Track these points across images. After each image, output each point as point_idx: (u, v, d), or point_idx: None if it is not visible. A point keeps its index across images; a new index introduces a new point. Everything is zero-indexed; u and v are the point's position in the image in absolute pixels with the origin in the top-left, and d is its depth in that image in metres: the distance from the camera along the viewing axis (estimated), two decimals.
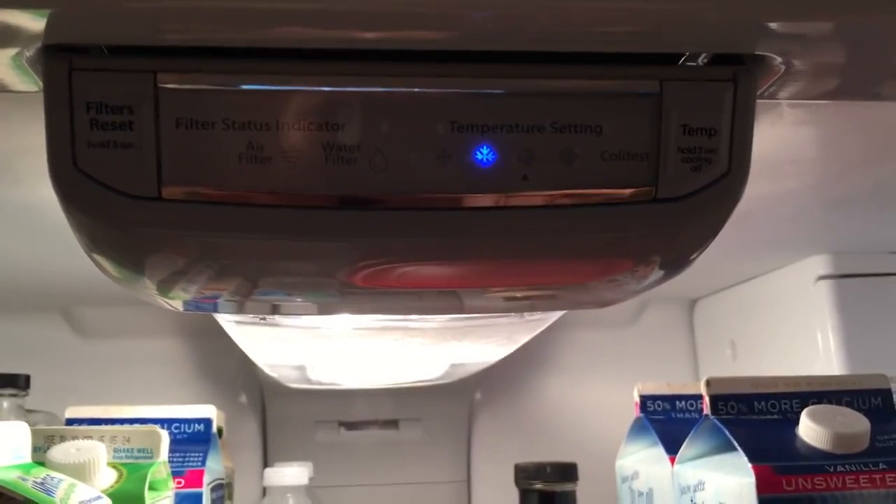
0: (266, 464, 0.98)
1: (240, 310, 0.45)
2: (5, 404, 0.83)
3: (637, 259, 0.34)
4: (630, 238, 0.33)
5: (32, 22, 0.27)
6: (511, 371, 0.99)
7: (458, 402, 1.01)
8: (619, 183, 0.32)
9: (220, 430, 0.76)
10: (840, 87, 0.37)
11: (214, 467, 0.73)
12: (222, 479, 0.76)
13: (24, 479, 0.48)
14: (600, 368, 1.04)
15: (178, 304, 0.42)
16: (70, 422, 0.76)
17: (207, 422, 0.74)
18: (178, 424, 0.72)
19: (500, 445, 1.00)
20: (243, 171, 0.30)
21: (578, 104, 0.31)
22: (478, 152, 0.31)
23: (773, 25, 0.29)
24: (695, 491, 0.60)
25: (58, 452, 0.56)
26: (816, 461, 0.53)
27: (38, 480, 0.49)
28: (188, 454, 0.72)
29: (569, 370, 1.05)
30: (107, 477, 0.56)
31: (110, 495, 0.53)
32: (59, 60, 0.29)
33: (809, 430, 0.55)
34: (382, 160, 0.30)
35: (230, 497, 0.82)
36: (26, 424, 0.53)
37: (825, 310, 0.83)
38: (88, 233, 0.31)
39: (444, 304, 0.40)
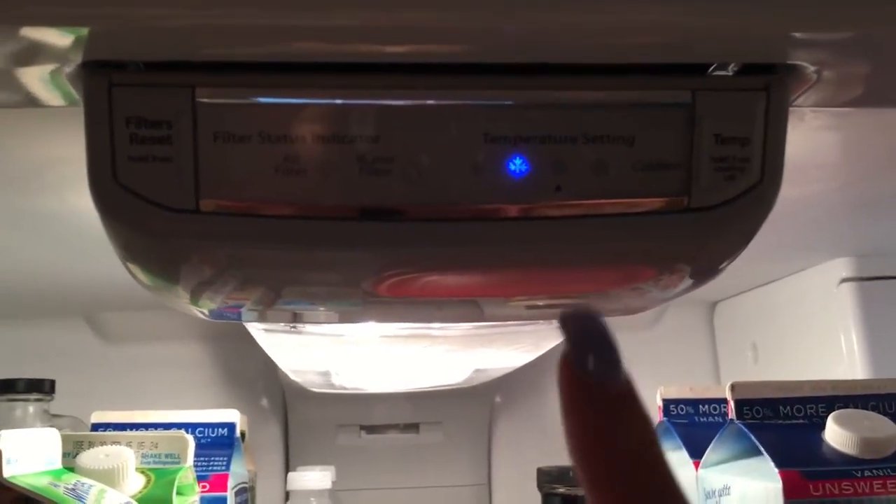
0: (288, 467, 0.98)
1: (263, 318, 0.46)
2: (31, 409, 0.84)
3: (668, 268, 0.34)
4: (663, 247, 0.33)
5: (71, 39, 0.28)
6: (531, 374, 0.99)
7: (478, 406, 1.01)
8: (652, 192, 0.32)
9: (242, 434, 0.76)
10: (864, 95, 0.37)
11: (238, 471, 0.73)
12: (246, 482, 0.76)
13: (55, 486, 0.48)
14: None
15: (205, 311, 0.42)
16: (96, 427, 0.77)
17: (231, 426, 0.74)
18: (202, 429, 0.73)
19: (520, 449, 1.00)
20: (279, 183, 0.30)
21: (610, 115, 0.32)
22: (511, 163, 0.31)
23: (805, 35, 0.29)
24: (720, 496, 0.60)
25: (87, 458, 0.57)
26: (844, 466, 0.53)
27: (70, 486, 0.49)
28: (212, 458, 0.73)
29: None
30: (135, 482, 0.57)
31: (139, 500, 0.53)
32: (98, 76, 0.30)
33: (836, 434, 0.55)
34: (416, 172, 0.31)
35: (253, 501, 0.82)
36: (57, 431, 0.54)
37: (848, 312, 0.83)
38: (126, 244, 0.32)
39: (478, 313, 0.40)
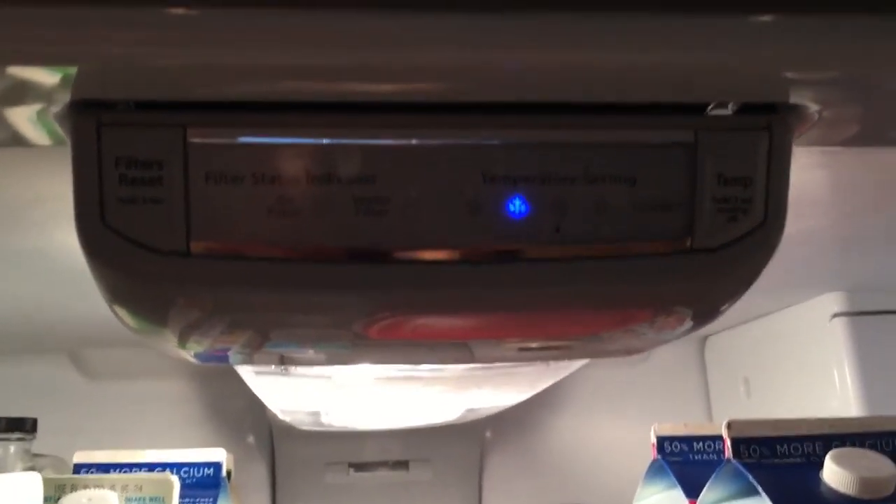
0: None
1: (251, 361, 0.45)
2: (12, 448, 0.82)
3: (669, 311, 0.33)
4: (664, 290, 0.32)
5: (59, 78, 0.27)
6: (522, 410, 0.98)
7: (468, 442, 1.00)
8: (654, 234, 0.31)
9: (229, 473, 0.75)
10: (860, 134, 0.36)
11: None
12: None
13: None
14: (612, 407, 1.03)
15: (192, 355, 0.41)
16: (78, 467, 0.75)
17: (217, 466, 0.73)
18: (187, 469, 0.71)
19: (511, 486, 0.99)
20: (273, 225, 0.29)
21: (612, 154, 0.31)
22: (510, 204, 0.30)
23: (807, 76, 0.29)
24: None
25: (69, 502, 0.55)
26: None
27: None
28: (198, 499, 0.71)
29: (580, 408, 1.04)
30: None
31: None
32: (87, 116, 0.29)
33: (834, 474, 0.54)
34: (413, 212, 0.30)
35: None
36: (38, 475, 0.52)
37: (841, 347, 0.82)
38: (114, 287, 0.31)
39: (472, 355, 0.40)
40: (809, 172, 0.46)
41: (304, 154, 0.30)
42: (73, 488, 0.58)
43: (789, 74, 0.29)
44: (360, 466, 0.99)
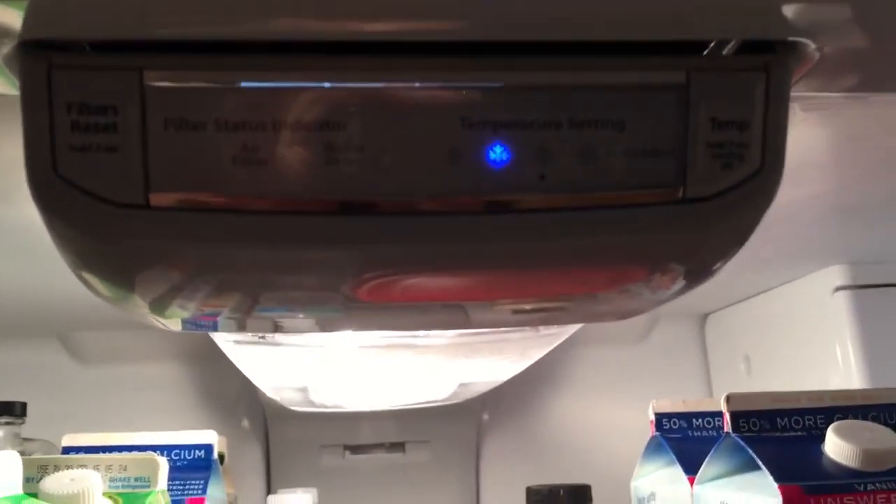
0: (269, 490, 0.95)
1: (240, 328, 0.43)
2: (1, 433, 0.81)
3: (662, 264, 0.32)
4: (657, 241, 0.31)
5: (8, 14, 0.25)
6: (520, 390, 0.97)
7: (465, 424, 0.99)
8: (644, 182, 0.29)
9: (221, 456, 0.74)
10: (863, 79, 0.35)
11: (216, 495, 0.71)
12: None
13: None
14: (611, 386, 1.02)
15: (174, 324, 0.40)
16: (67, 450, 0.74)
17: (208, 448, 0.72)
18: (177, 451, 0.70)
19: (509, 467, 0.98)
20: (237, 175, 0.28)
21: (598, 98, 0.29)
22: (491, 151, 0.29)
23: (806, 8, 0.27)
24: None
25: (51, 483, 0.54)
26: (845, 479, 0.51)
27: None
28: (188, 482, 0.70)
29: (579, 388, 1.03)
30: None
31: None
32: (36, 58, 0.27)
33: (837, 446, 0.53)
34: (388, 161, 0.28)
35: None
36: (17, 454, 0.51)
37: (843, 321, 0.81)
38: (72, 245, 0.29)
39: (455, 318, 0.38)
40: (810, 132, 0.44)
41: (269, 99, 0.28)
42: (56, 468, 0.57)
43: (788, 7, 0.27)
44: (355, 449, 0.98)
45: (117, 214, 0.27)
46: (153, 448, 0.71)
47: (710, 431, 0.69)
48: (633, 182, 0.29)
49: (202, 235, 0.28)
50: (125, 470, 0.59)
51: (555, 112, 0.29)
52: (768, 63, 0.30)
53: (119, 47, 0.27)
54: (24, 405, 0.82)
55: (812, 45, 0.30)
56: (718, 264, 0.33)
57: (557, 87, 0.29)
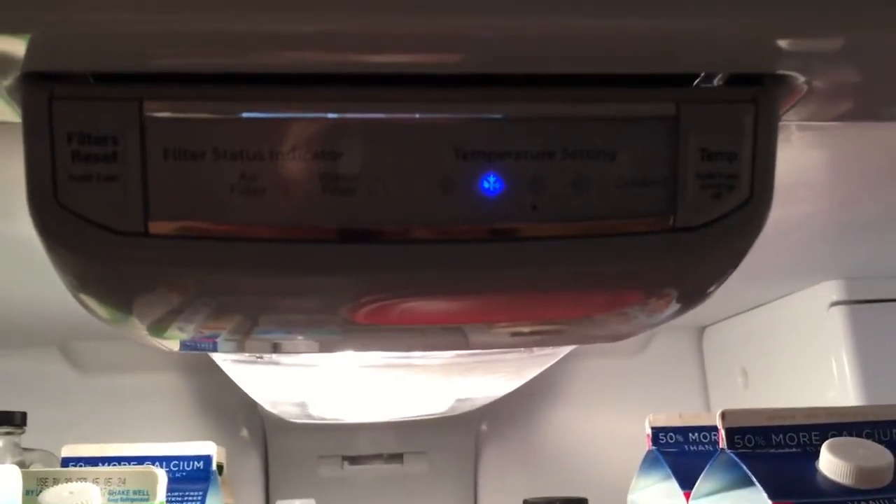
0: (268, 500, 0.95)
1: (238, 349, 0.43)
2: (1, 443, 0.81)
3: (653, 292, 0.32)
4: (647, 270, 0.31)
5: (12, 47, 0.26)
6: (518, 402, 0.97)
7: (463, 435, 0.99)
8: (635, 212, 0.30)
9: (220, 467, 0.74)
10: (855, 109, 0.35)
11: None
12: None
13: None
14: (609, 398, 1.02)
15: (173, 345, 0.40)
16: (66, 461, 0.74)
17: (207, 459, 0.72)
18: (176, 462, 0.71)
19: (507, 478, 0.98)
20: (235, 203, 0.28)
21: (590, 129, 0.30)
22: (484, 181, 0.29)
23: (793, 43, 0.28)
24: None
25: (50, 496, 0.54)
26: (839, 497, 0.51)
27: None
28: (187, 493, 0.70)
29: (577, 400, 1.03)
30: None
31: None
32: (38, 89, 0.28)
33: (831, 463, 0.53)
34: (383, 190, 0.29)
35: None
36: (16, 468, 0.51)
37: (839, 336, 0.81)
38: (72, 271, 0.29)
39: (451, 340, 0.38)
40: (806, 154, 0.44)
41: (267, 129, 0.28)
42: (56, 481, 0.57)
43: (776, 42, 0.27)
44: (354, 459, 0.98)
45: (117, 242, 0.28)
46: (152, 459, 0.71)
47: (707, 446, 0.69)
48: (625, 211, 0.30)
49: (201, 263, 0.28)
50: (124, 483, 0.59)
51: (547, 142, 0.29)
52: (757, 95, 0.30)
53: (120, 78, 0.28)
54: (23, 415, 0.82)
55: (801, 78, 0.30)
56: (711, 289, 0.34)
57: (550, 119, 0.29)
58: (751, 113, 0.30)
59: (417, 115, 0.29)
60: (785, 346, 0.90)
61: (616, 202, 0.30)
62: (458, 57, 0.28)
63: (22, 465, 0.82)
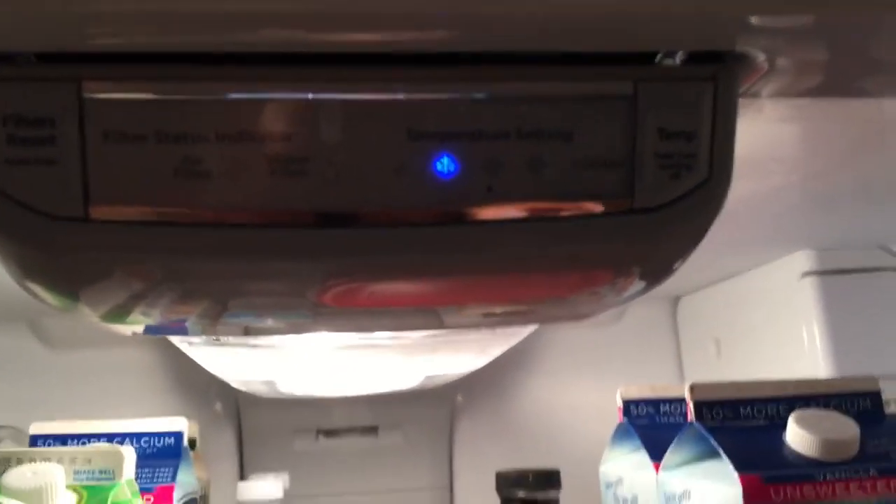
0: (243, 474, 0.95)
1: (203, 333, 0.42)
2: None
3: (614, 273, 0.32)
4: (605, 252, 0.30)
5: None
6: (493, 373, 0.97)
7: (438, 407, 0.99)
8: (593, 193, 0.29)
9: (193, 441, 0.74)
10: (823, 84, 0.34)
11: (186, 481, 0.70)
12: (195, 493, 0.73)
13: None
14: (583, 368, 1.03)
15: (128, 330, 0.39)
16: (34, 438, 0.73)
17: (178, 435, 0.71)
18: (147, 439, 0.70)
19: (482, 449, 0.98)
20: (179, 188, 0.27)
21: (546, 109, 0.29)
22: (437, 163, 0.28)
23: (754, 20, 0.27)
24: (680, 500, 0.58)
25: (13, 477, 0.53)
26: (805, 469, 0.51)
27: None
28: (158, 469, 0.70)
29: (551, 370, 1.03)
30: (66, 501, 0.53)
31: None
32: None
33: (797, 436, 0.54)
34: (333, 173, 0.28)
35: None
36: None
37: (811, 306, 0.82)
38: (12, 259, 0.28)
39: (417, 321, 0.38)
40: (777, 127, 0.44)
41: (212, 110, 0.27)
42: (20, 461, 0.56)
43: (735, 19, 0.27)
44: (328, 433, 0.97)
45: (56, 228, 0.27)
46: (121, 436, 0.71)
47: (678, 417, 0.70)
48: (581, 193, 0.29)
49: (142, 248, 0.27)
50: (90, 462, 0.58)
51: (502, 123, 0.28)
52: (716, 73, 0.30)
53: (59, 58, 0.27)
54: None
55: (761, 56, 0.30)
56: (674, 267, 0.33)
57: (505, 99, 0.29)
58: (710, 91, 0.29)
59: (368, 96, 0.28)
60: (757, 316, 0.90)
61: (573, 183, 0.29)
62: (411, 35, 0.27)
63: None
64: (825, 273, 0.80)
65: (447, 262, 0.30)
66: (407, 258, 0.29)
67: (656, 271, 0.32)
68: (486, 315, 0.36)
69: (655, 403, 0.70)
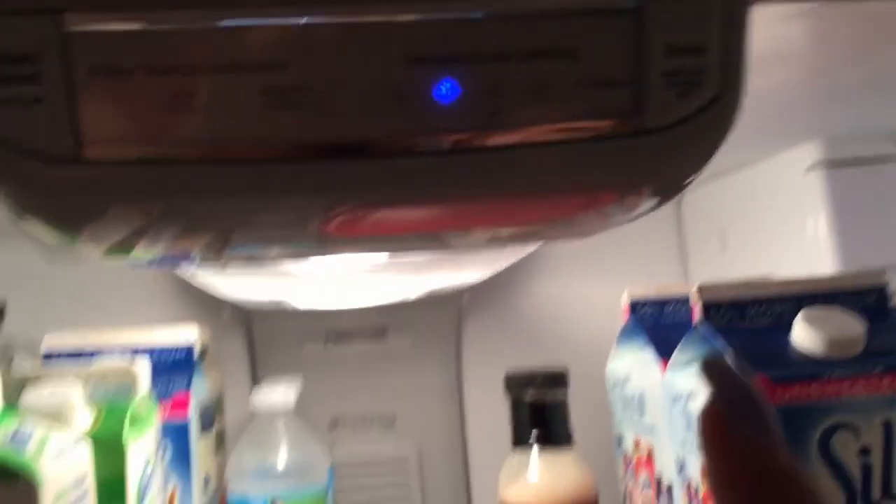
0: (255, 377, 0.97)
1: (206, 264, 0.42)
2: None
3: (623, 193, 0.31)
4: (615, 173, 0.30)
5: None
6: (499, 274, 0.97)
7: (447, 309, 0.99)
8: (599, 114, 0.28)
9: (205, 348, 0.75)
10: None
11: (201, 390, 0.72)
12: (210, 399, 0.75)
13: None
14: (590, 266, 1.02)
15: (139, 264, 0.39)
16: (48, 352, 0.75)
17: (189, 348, 0.72)
18: (159, 352, 0.71)
19: (490, 350, 0.99)
20: (172, 123, 0.26)
21: (548, 26, 0.28)
22: (438, 88, 0.27)
23: None
24: (687, 400, 0.59)
25: (32, 398, 0.54)
26: (811, 369, 0.52)
27: (9, 435, 0.47)
28: (172, 380, 0.71)
29: (557, 270, 1.03)
30: (84, 418, 0.55)
31: (89, 438, 0.52)
32: None
33: (804, 335, 0.54)
34: (330, 102, 0.27)
35: (220, 412, 0.81)
36: None
37: (817, 198, 0.81)
38: (7, 200, 0.28)
39: (425, 244, 0.37)
40: (783, 25, 0.42)
41: (200, 40, 0.26)
42: (38, 380, 0.57)
43: None
44: (337, 338, 0.98)
45: (49, 170, 0.26)
46: (135, 349, 0.72)
47: (683, 315, 0.70)
48: (588, 114, 0.28)
49: (140, 187, 0.27)
50: (106, 379, 0.59)
51: (503, 43, 0.27)
52: None
53: None
54: (2, 304, 0.82)
55: None
56: (686, 183, 0.33)
57: (505, 17, 0.27)
58: (719, 2, 0.28)
59: (362, 19, 0.27)
60: (763, 209, 0.89)
61: (578, 105, 0.28)
62: None
63: (4, 351, 0.83)
64: (833, 165, 0.79)
65: (452, 191, 0.29)
66: (410, 188, 0.28)
67: (667, 190, 0.31)
68: (493, 238, 0.36)
69: (661, 303, 0.71)
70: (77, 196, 0.27)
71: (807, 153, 0.80)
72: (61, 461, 0.46)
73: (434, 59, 0.27)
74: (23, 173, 0.26)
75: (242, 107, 0.26)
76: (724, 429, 0.22)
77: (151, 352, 0.70)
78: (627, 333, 0.73)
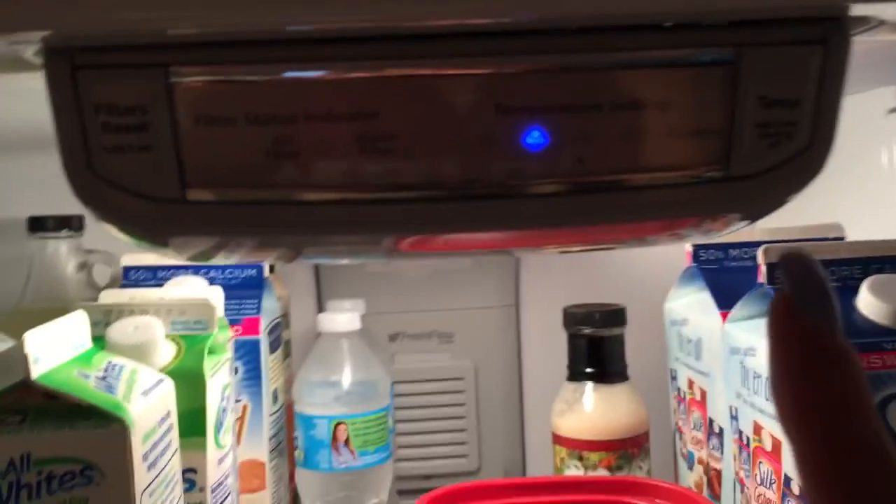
0: (319, 293, 0.99)
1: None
2: (63, 247, 0.84)
3: (705, 228, 0.31)
4: (698, 214, 0.30)
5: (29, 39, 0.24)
6: None
7: None
8: (688, 163, 0.28)
9: (271, 267, 0.77)
10: None
11: (270, 307, 0.74)
12: (278, 317, 0.78)
13: (85, 376, 0.48)
14: None
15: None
16: (127, 270, 0.78)
17: (259, 266, 0.75)
18: (231, 270, 0.74)
19: (548, 270, 0.99)
20: (271, 168, 0.27)
21: (641, 78, 0.27)
22: (527, 136, 0.28)
23: None
24: (745, 355, 0.60)
25: (116, 333, 0.57)
26: (874, 337, 0.52)
27: (100, 375, 0.50)
28: (244, 301, 0.74)
29: None
30: (166, 353, 0.57)
31: (170, 373, 0.54)
32: (59, 58, 0.26)
33: (868, 302, 0.54)
34: (421, 150, 0.27)
35: (287, 326, 0.84)
36: (84, 312, 0.54)
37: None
38: (117, 230, 0.29)
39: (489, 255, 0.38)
40: None
41: (298, 90, 0.27)
42: (121, 314, 0.60)
43: None
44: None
45: (157, 209, 0.27)
46: (208, 268, 0.74)
47: (746, 262, 0.70)
48: (677, 162, 0.28)
49: (239, 226, 0.28)
50: (184, 314, 0.62)
51: (594, 94, 0.27)
52: (826, 35, 0.27)
53: (144, 46, 0.26)
54: (80, 217, 0.84)
55: (875, 19, 0.27)
56: (768, 215, 0.32)
57: (596, 69, 0.27)
58: (818, 55, 0.27)
59: (455, 71, 0.27)
60: (836, 153, 0.87)
61: (666, 154, 0.28)
62: (499, 6, 0.25)
63: (84, 266, 0.86)
64: None
65: (536, 229, 0.30)
66: (501, 228, 0.29)
67: (747, 222, 0.31)
68: (563, 251, 0.37)
69: (724, 248, 0.71)
70: (183, 232, 0.28)
71: (888, 97, 0.77)
72: (148, 399, 0.49)
73: (523, 109, 0.27)
74: (133, 213, 0.27)
75: (335, 152, 0.27)
76: (790, 313, 0.23)
77: (223, 269, 0.73)
78: (688, 277, 0.73)
